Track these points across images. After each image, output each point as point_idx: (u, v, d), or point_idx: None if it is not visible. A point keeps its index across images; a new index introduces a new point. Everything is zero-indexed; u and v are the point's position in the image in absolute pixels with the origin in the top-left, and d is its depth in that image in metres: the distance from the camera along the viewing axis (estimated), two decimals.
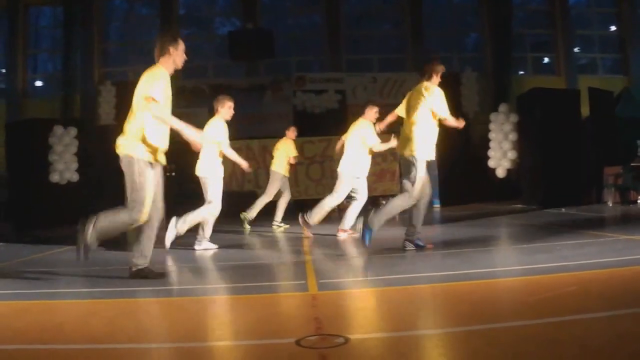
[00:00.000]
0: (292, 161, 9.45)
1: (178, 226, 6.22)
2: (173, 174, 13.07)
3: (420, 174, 5.40)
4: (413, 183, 5.40)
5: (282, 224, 9.15)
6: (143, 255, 4.43)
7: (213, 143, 6.26)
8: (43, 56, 19.79)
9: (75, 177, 12.28)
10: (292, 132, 9.71)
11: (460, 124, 5.61)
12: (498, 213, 10.43)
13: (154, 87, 4.30)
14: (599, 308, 2.94)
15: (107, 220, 4.35)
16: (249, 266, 5.31)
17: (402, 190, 5.60)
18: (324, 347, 2.43)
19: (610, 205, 10.79)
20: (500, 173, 12.64)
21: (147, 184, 4.31)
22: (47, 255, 6.60)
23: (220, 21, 19.78)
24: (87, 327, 3.04)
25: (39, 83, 19.50)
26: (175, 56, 4.57)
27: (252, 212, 9.21)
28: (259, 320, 3.12)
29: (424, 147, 5.45)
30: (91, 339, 2.77)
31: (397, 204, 5.54)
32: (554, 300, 3.14)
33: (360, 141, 7.13)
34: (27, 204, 11.85)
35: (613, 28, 19.61)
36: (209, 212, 6.31)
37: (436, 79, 5.60)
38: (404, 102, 5.76)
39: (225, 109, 6.52)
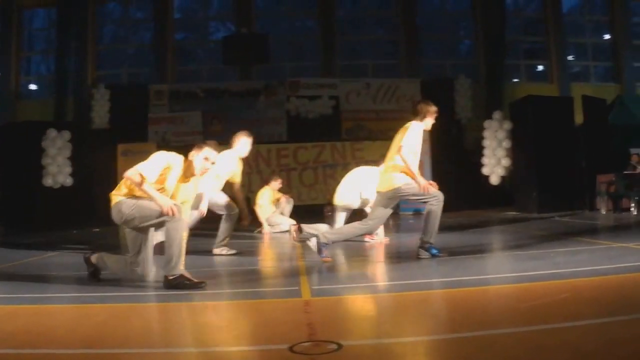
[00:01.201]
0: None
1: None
2: None
3: (421, 184, 5.15)
4: (427, 197, 5.18)
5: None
6: (172, 262, 4.11)
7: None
8: (36, 58, 19.74)
9: (68, 181, 12.18)
10: (276, 183, 9.97)
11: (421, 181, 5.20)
12: (491, 220, 10.45)
13: (151, 167, 4.13)
14: (592, 315, 2.94)
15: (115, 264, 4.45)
16: (241, 272, 5.28)
17: (367, 217, 5.63)
18: (316, 353, 2.42)
19: (603, 212, 10.84)
20: (494, 180, 12.68)
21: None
22: (39, 259, 6.55)
23: (214, 25, 19.80)
24: (77, 331, 3.02)
25: (32, 85, 19.43)
26: (196, 160, 4.32)
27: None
28: (251, 326, 3.11)
29: (404, 179, 5.20)
30: (82, 344, 2.75)
31: (355, 230, 5.61)
32: (547, 307, 3.15)
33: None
34: (19, 207, 11.78)
35: (606, 36, 19.77)
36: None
37: (429, 120, 5.34)
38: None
39: (241, 145, 6.52)
